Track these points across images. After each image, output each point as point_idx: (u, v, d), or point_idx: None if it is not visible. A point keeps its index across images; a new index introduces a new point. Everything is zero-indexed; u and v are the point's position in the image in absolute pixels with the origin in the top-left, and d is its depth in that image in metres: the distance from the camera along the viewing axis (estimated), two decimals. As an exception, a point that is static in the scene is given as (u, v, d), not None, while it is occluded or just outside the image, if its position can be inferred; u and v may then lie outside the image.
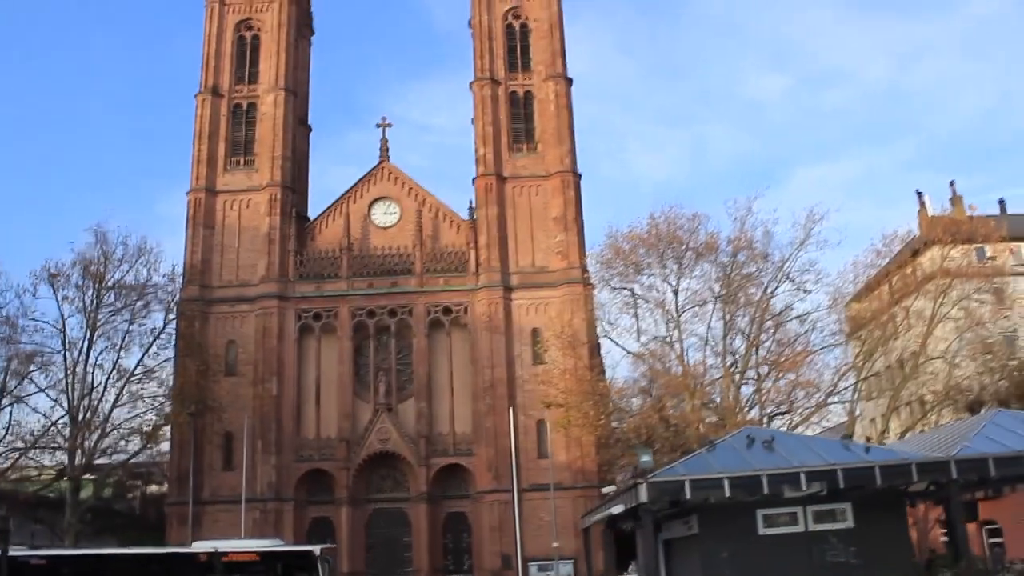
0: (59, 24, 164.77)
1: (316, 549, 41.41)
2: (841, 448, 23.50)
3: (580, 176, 65.15)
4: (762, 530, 22.55)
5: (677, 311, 52.48)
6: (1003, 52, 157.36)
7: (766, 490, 21.13)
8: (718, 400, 53.71)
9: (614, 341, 55.06)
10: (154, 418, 54.46)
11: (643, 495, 20.80)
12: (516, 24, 69.52)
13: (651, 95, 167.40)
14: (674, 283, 52.39)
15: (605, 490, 48.81)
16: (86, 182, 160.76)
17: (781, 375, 51.77)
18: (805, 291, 52.78)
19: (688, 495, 20.92)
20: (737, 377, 52.85)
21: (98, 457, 53.50)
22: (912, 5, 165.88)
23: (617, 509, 23.38)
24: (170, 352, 56.61)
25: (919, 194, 68.20)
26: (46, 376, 52.59)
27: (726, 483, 21.10)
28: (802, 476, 21.22)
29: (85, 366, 52.60)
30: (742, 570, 22.42)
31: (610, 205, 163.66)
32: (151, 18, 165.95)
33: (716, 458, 22.57)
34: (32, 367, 52.26)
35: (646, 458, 21.87)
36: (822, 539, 22.77)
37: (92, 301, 53.78)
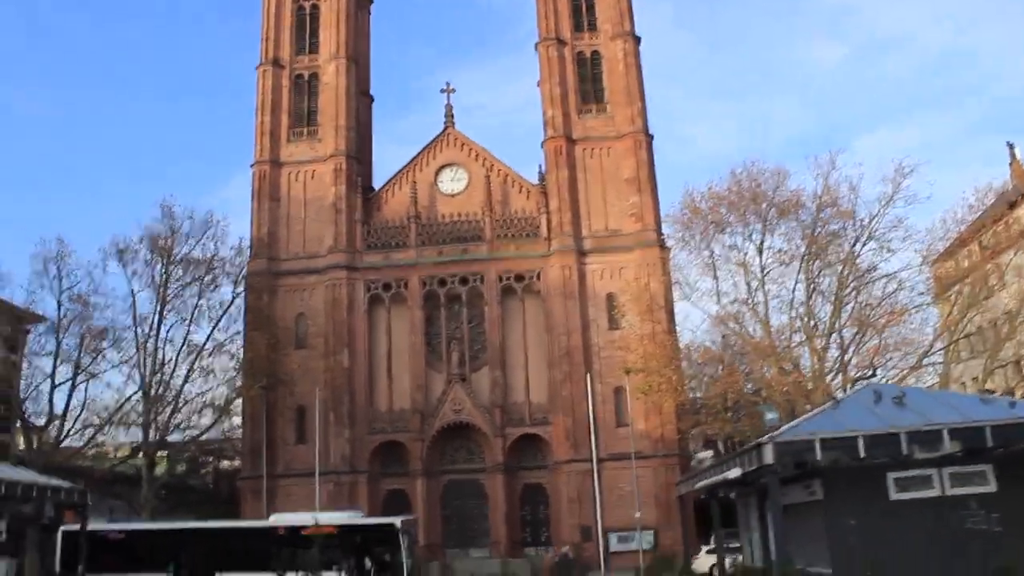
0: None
1: (397, 521, 40.58)
2: (981, 403, 21.42)
3: (652, 136, 62.94)
4: (894, 495, 20.54)
5: (762, 270, 50.25)
6: None
7: (904, 450, 19.16)
8: (804, 364, 51.35)
9: (694, 304, 53.08)
10: (226, 391, 53.77)
11: (768, 456, 18.94)
12: (581, -19, 67.17)
13: (706, 67, 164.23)
14: (758, 240, 50.10)
15: (701, 455, 47.00)
16: (151, 163, 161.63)
17: (872, 336, 49.37)
18: (890, 250, 50.17)
19: (819, 456, 18.98)
20: (821, 341, 50.40)
21: (172, 432, 53.01)
22: None
23: (734, 473, 21.54)
24: (240, 326, 55.95)
25: (1010, 146, 65.01)
26: (119, 352, 52.17)
27: (860, 442, 19.15)
28: (945, 434, 19.20)
29: (156, 341, 52.13)
30: (872, 538, 20.49)
31: (668, 178, 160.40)
32: None
33: (843, 416, 20.63)
34: (105, 343, 51.85)
35: (772, 415, 20.04)
36: (961, 504, 20.71)
37: (161, 276, 53.25)
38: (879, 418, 20.27)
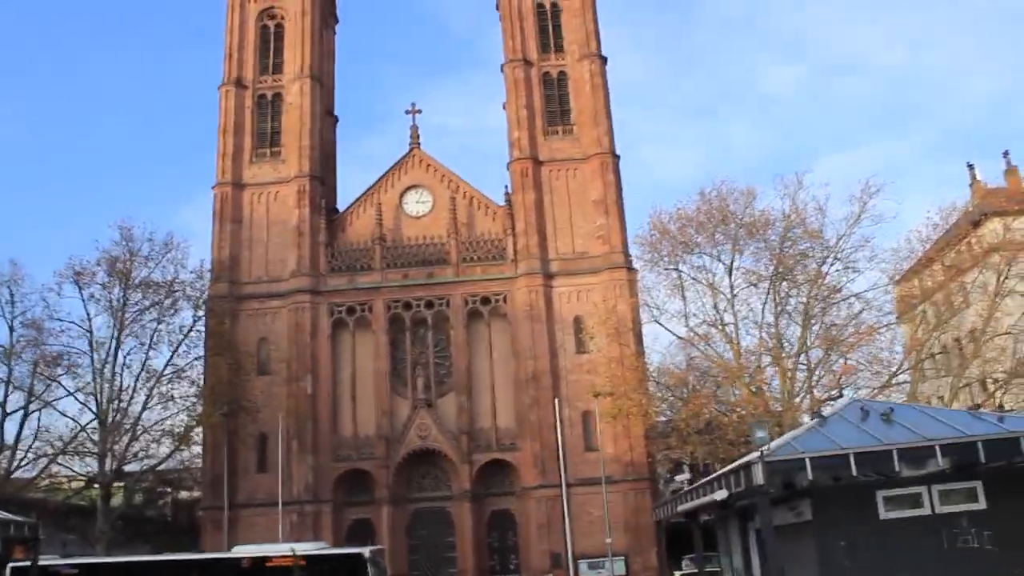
0: (77, 25, 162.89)
1: (365, 551, 39.22)
2: (971, 418, 20.88)
3: (619, 157, 62.52)
4: (884, 514, 19.85)
5: (731, 291, 49.90)
6: (1014, 34, 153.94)
7: (897, 467, 18.51)
8: (771, 386, 50.96)
9: (662, 325, 52.48)
10: (185, 419, 52.17)
11: (758, 476, 18.15)
12: (547, 4, 66.96)
13: (665, 91, 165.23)
14: (728, 261, 49.78)
15: (679, 478, 46.13)
16: (108, 183, 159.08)
17: (840, 356, 49.14)
18: (856, 270, 50.10)
19: (809, 475, 18.26)
20: (790, 361, 50.01)
21: (129, 462, 51.33)
22: None
23: (720, 495, 20.75)
24: (200, 351, 54.36)
25: (970, 166, 65.60)
26: (74, 379, 50.51)
27: (852, 460, 18.45)
28: (937, 450, 18.59)
29: (113, 367, 50.51)
30: (863, 559, 19.83)
31: (629, 200, 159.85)
32: (170, 11, 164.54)
33: (831, 433, 19.96)
34: (59, 370, 50.20)
35: (762, 433, 19.24)
36: (952, 522, 20.08)
37: (119, 299, 51.68)
38: (868, 435, 19.64)
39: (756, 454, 18.67)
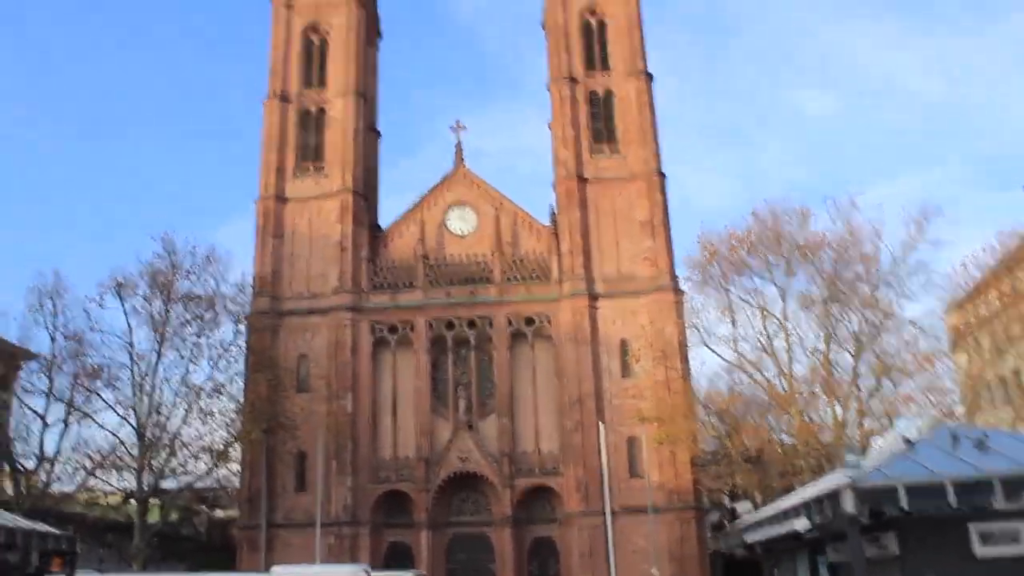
0: (122, 32, 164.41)
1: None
2: (1075, 448, 19.34)
3: (665, 177, 61.36)
4: (979, 550, 18.27)
5: (785, 315, 48.38)
6: None
7: (999, 498, 16.95)
8: (823, 415, 49.26)
9: (711, 349, 50.96)
10: (224, 436, 51.28)
11: (848, 504, 16.67)
12: (593, 21, 66.31)
13: (699, 116, 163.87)
14: (782, 283, 48.30)
15: (740, 507, 44.43)
16: (151, 196, 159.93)
17: (895, 384, 47.45)
18: (907, 296, 48.38)
19: (904, 504, 16.77)
20: (842, 389, 48.34)
21: (166, 478, 50.42)
22: (961, 20, 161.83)
23: (801, 524, 19.25)
24: (240, 366, 53.54)
25: (1027, 191, 63.57)
26: (114, 392, 49.78)
27: (950, 490, 16.85)
28: (1046, 481, 17.08)
29: (153, 380, 49.67)
30: (955, 600, 18.25)
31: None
32: (215, 23, 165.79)
33: (922, 459, 18.42)
34: (99, 382, 49.51)
35: (852, 457, 17.87)
36: (1054, 563, 18.48)
37: (160, 313, 50.93)
38: (963, 462, 18.10)
39: (844, 480, 17.21)
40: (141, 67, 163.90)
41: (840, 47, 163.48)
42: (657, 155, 61.47)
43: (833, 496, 17.87)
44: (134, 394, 49.20)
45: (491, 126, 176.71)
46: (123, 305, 50.44)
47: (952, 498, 16.92)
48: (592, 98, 64.07)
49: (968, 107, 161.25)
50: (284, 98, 63.85)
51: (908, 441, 20.13)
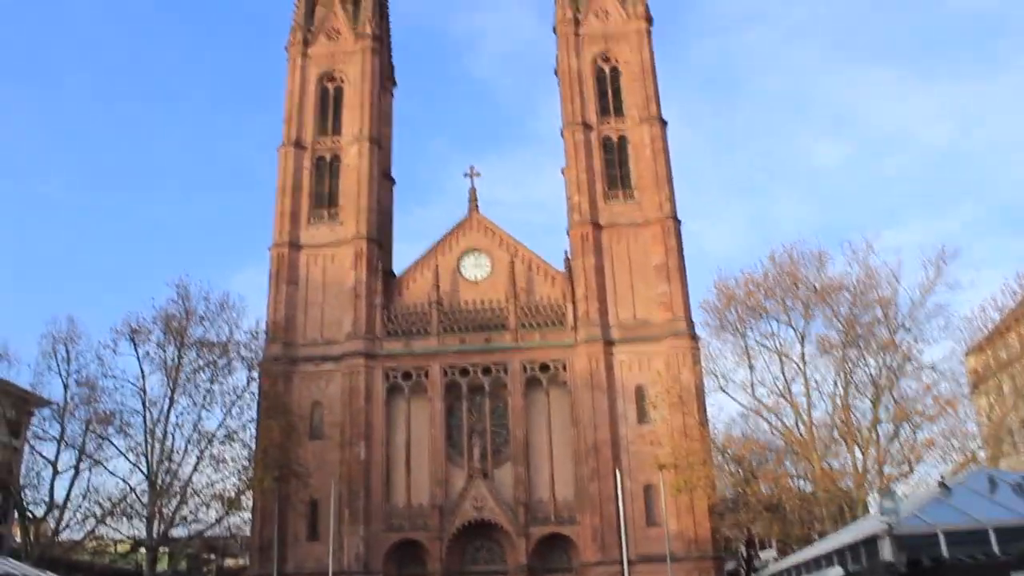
0: (140, 77, 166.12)
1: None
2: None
3: (680, 223, 61.09)
4: (1025, 600, 17.65)
5: (803, 359, 47.78)
6: None
7: (1043, 545, 16.41)
8: (843, 461, 48.42)
9: (729, 395, 50.31)
10: (236, 483, 50.67)
11: (887, 552, 16.17)
12: (606, 68, 66.51)
13: (709, 165, 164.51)
14: (800, 327, 47.77)
15: (766, 556, 43.60)
16: (165, 242, 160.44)
17: (915, 429, 46.66)
18: (921, 340, 47.69)
19: (944, 552, 16.25)
20: (862, 435, 47.55)
21: (176, 525, 49.78)
22: (969, 66, 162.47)
23: (835, 574, 18.73)
24: (253, 413, 53.08)
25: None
26: (125, 438, 49.35)
27: (993, 536, 16.39)
28: (1091, 526, 16.56)
29: (165, 427, 49.25)
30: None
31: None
32: (229, 73, 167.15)
33: (960, 504, 17.93)
34: (111, 429, 49.12)
35: (890, 504, 17.30)
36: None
37: (173, 358, 50.67)
38: (1004, 508, 17.61)
39: (880, 526, 16.67)
40: (154, 117, 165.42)
41: (849, 95, 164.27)
42: (672, 200, 61.25)
43: (870, 543, 17.36)
44: (146, 440, 48.82)
45: (505, 173, 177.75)
46: (137, 351, 50.41)
47: (995, 545, 16.42)
48: (606, 144, 64.09)
49: (978, 153, 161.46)
50: (299, 145, 64.11)
51: (944, 486, 19.64)
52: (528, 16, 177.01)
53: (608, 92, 65.77)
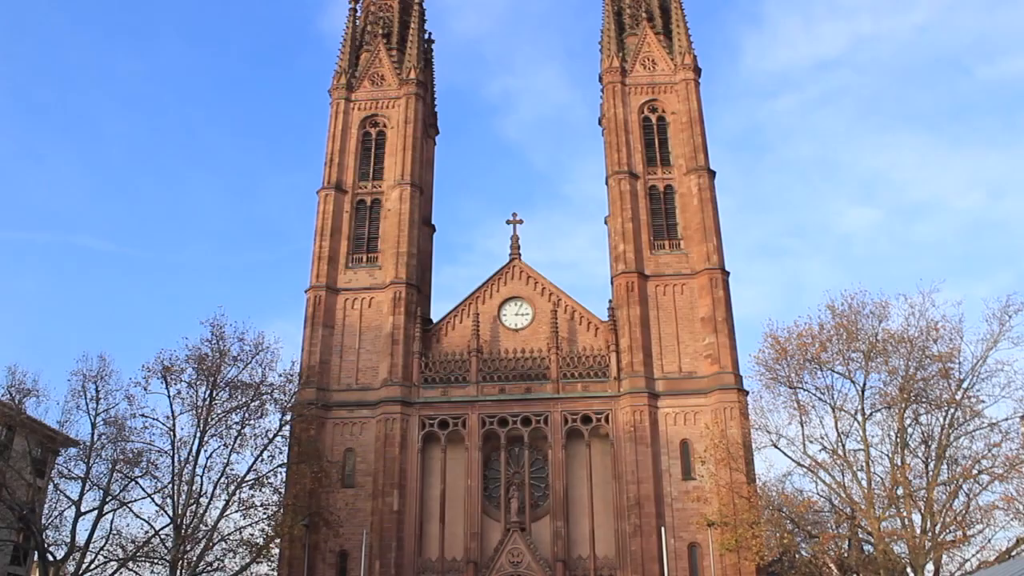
0: (179, 116, 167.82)
1: None
2: None
3: (728, 274, 59.27)
4: None
5: (863, 414, 45.49)
6: None
7: None
8: (904, 521, 45.67)
9: (781, 451, 48.02)
10: (264, 529, 48.69)
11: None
12: (653, 117, 65.50)
13: (740, 228, 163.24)
14: (860, 381, 45.59)
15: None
16: (202, 282, 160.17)
17: (980, 490, 44.00)
18: (983, 400, 45.29)
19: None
20: (921, 495, 44.90)
21: (201, 572, 47.74)
22: (997, 135, 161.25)
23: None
24: (284, 458, 51.40)
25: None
26: (152, 480, 47.73)
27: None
28: None
29: (193, 469, 47.58)
30: None
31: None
32: (270, 111, 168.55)
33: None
34: (138, 470, 47.55)
35: None
36: None
37: (205, 399, 49.24)
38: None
39: None
40: (191, 167, 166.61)
41: (878, 162, 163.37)
42: (720, 251, 59.66)
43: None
44: (173, 482, 47.20)
45: (546, 222, 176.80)
46: (168, 390, 49.05)
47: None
48: (652, 193, 62.83)
49: (1010, 221, 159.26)
50: (340, 188, 63.39)
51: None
52: (559, 78, 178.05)
53: (655, 141, 64.71)
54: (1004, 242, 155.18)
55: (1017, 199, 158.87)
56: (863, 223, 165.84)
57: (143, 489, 47.41)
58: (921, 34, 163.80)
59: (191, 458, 47.77)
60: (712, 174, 62.45)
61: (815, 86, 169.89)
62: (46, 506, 47.43)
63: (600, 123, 69.48)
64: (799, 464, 47.42)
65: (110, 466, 47.24)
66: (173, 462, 47.75)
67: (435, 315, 63.67)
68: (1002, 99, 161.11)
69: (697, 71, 65.99)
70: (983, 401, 45.26)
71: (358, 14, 71.20)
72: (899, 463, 44.77)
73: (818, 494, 47.67)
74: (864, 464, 45.37)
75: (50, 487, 47.88)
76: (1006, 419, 45.44)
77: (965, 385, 45.37)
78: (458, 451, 56.04)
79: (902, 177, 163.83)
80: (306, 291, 60.06)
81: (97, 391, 48.61)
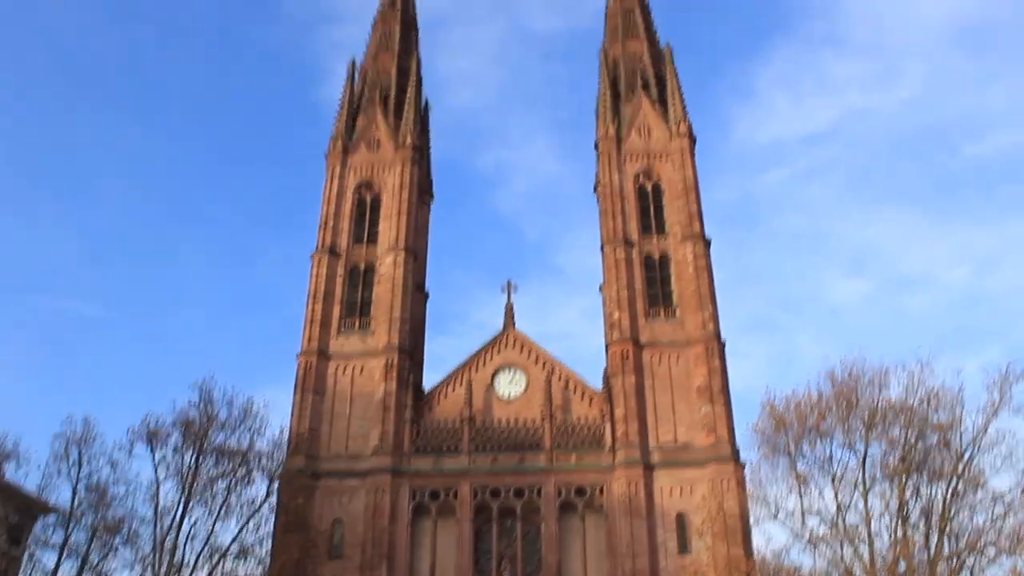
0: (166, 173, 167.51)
1: None
2: None
3: (724, 343, 58.60)
4: None
5: (864, 485, 44.42)
6: None
7: None
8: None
9: (781, 523, 46.73)
10: (248, 603, 47.11)
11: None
12: (648, 185, 65.59)
13: (733, 303, 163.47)
14: (861, 451, 44.61)
15: None
16: (193, 344, 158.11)
17: (985, 564, 42.83)
18: (984, 470, 44.40)
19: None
20: (925, 567, 43.63)
21: (181, 649, 46.07)
22: (983, 210, 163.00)
23: None
24: (271, 528, 49.96)
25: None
26: (133, 548, 46.25)
27: None
28: None
29: (176, 537, 46.12)
30: None
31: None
32: (266, 178, 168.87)
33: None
34: (118, 538, 46.12)
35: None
36: None
37: (190, 465, 48.03)
38: None
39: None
40: (181, 230, 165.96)
41: (867, 236, 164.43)
42: (715, 319, 59.07)
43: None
44: (154, 551, 45.76)
45: (539, 293, 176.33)
46: (153, 455, 47.98)
47: None
48: (647, 261, 62.51)
49: (998, 296, 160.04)
50: (333, 252, 62.97)
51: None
52: (552, 151, 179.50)
53: (650, 209, 64.66)
54: (992, 317, 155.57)
55: (1004, 274, 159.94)
56: (853, 295, 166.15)
57: (123, 558, 45.97)
58: (909, 109, 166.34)
59: (174, 526, 46.44)
60: (707, 242, 62.22)
61: (805, 159, 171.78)
62: (20, 576, 45.83)
63: (595, 190, 69.42)
64: (799, 538, 46.22)
65: (90, 534, 45.85)
66: (155, 530, 46.44)
67: (426, 384, 62.54)
68: (988, 175, 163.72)
69: (692, 139, 66.25)
70: (984, 472, 44.40)
71: (356, 79, 71.51)
72: (900, 536, 43.64)
73: (818, 569, 46.49)
74: (867, 537, 44.25)
75: (25, 556, 46.25)
76: (1009, 491, 44.61)
77: (966, 455, 44.52)
78: (449, 523, 54.57)
79: (891, 250, 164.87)
80: (297, 355, 59.15)
81: (80, 455, 47.50)
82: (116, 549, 46.18)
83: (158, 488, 47.37)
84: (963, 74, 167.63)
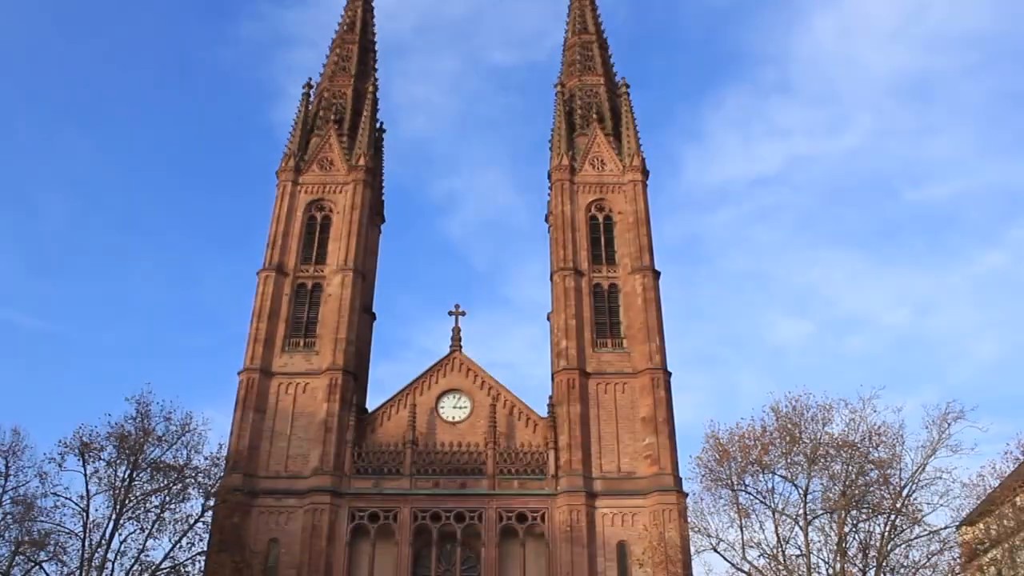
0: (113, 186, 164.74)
1: None
2: None
3: (670, 374, 58.79)
4: None
5: (805, 519, 44.62)
6: (1013, 303, 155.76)
7: None
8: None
9: (721, 555, 46.73)
10: (178, 623, 45.80)
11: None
12: (600, 216, 65.85)
13: (678, 337, 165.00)
14: (803, 485, 44.84)
15: None
16: (134, 358, 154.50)
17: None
18: (921, 509, 44.92)
19: None
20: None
21: (106, 671, 44.56)
22: (923, 255, 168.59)
23: None
24: (205, 546, 48.74)
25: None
26: (59, 565, 44.78)
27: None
28: None
29: (105, 553, 44.76)
30: None
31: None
32: (216, 196, 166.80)
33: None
34: (43, 553, 44.62)
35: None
36: None
37: (124, 479, 46.76)
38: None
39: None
40: (126, 245, 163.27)
41: (810, 277, 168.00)
42: (662, 351, 59.24)
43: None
44: (81, 568, 44.25)
45: (485, 321, 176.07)
46: (84, 468, 46.52)
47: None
48: (596, 291, 62.66)
49: (936, 338, 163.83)
50: (281, 271, 62.17)
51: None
52: (503, 182, 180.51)
53: (601, 240, 64.89)
54: (929, 359, 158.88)
55: (941, 317, 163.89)
56: (795, 335, 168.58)
57: (48, 574, 44.44)
58: (854, 156, 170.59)
59: (104, 542, 45.05)
60: (657, 274, 62.53)
61: (752, 201, 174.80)
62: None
63: (547, 220, 69.66)
64: (738, 569, 46.25)
65: (13, 548, 44.30)
66: (83, 546, 44.99)
67: (370, 407, 61.93)
68: (928, 222, 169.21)
69: (645, 173, 66.78)
70: (922, 509, 44.91)
71: (311, 100, 71.15)
72: (839, 569, 43.86)
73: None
74: (806, 571, 44.37)
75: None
76: (945, 527, 45.17)
77: (905, 492, 45.06)
78: (388, 546, 53.72)
79: (833, 292, 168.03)
80: (239, 373, 58.06)
81: (7, 466, 46.08)
82: (40, 565, 44.58)
83: (88, 502, 46.03)
84: (906, 124, 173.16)
